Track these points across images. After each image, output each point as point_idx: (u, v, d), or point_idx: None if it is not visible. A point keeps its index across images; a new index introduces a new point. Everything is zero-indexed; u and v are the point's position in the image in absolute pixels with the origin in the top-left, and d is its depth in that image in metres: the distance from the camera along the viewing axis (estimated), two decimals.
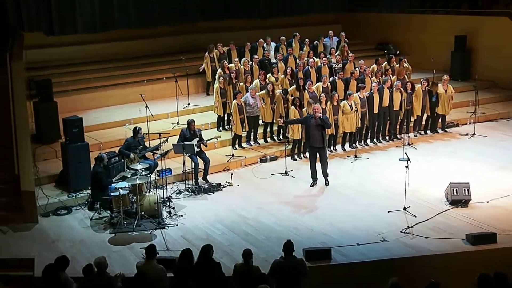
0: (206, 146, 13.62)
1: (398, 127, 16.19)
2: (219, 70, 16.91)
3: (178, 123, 15.94)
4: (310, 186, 13.24)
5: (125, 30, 19.53)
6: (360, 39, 23.42)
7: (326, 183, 13.22)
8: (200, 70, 18.47)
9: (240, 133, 15.13)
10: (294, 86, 15.75)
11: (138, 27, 19.77)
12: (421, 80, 16.44)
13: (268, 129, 15.86)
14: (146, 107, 14.34)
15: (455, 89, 16.92)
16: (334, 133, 15.18)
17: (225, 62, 17.02)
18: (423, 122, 16.64)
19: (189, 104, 17.36)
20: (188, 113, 16.78)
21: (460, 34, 20.80)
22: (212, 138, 14.08)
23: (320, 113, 13.02)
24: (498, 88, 20.12)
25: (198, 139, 13.33)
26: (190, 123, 13.44)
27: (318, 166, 13.25)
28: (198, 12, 20.83)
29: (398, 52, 19.94)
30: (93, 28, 18.72)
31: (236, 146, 15.17)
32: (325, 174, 13.24)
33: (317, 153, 13.14)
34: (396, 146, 15.57)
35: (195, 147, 13.18)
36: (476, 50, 20.75)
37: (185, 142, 13.08)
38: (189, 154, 13.12)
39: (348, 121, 15.12)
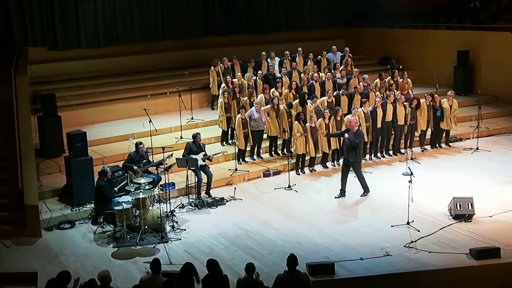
0: (211, 161, 13.64)
1: (402, 141, 16.22)
2: (223, 85, 16.99)
3: (181, 137, 15.99)
4: (335, 197, 13.38)
5: (129, 44, 19.67)
6: (362, 54, 23.51)
7: (364, 194, 13.40)
8: (210, 86, 18.52)
9: (243, 148, 15.17)
10: (298, 100, 15.81)
11: (142, 42, 19.90)
12: (425, 95, 16.48)
13: (273, 143, 15.89)
14: (149, 121, 14.38)
15: (458, 103, 16.94)
16: (338, 148, 15.23)
17: (229, 77, 17.12)
18: (428, 137, 16.65)
19: (192, 118, 17.40)
20: (191, 127, 16.84)
21: (463, 49, 20.87)
22: (219, 153, 14.12)
23: (353, 127, 13.21)
24: (500, 102, 20.17)
25: (204, 153, 13.34)
26: (196, 136, 13.47)
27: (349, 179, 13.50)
28: (202, 27, 21.00)
29: (400, 67, 20.00)
30: (97, 43, 18.88)
31: (240, 160, 15.19)
32: (363, 187, 13.43)
33: (350, 166, 13.33)
34: (400, 161, 15.56)
35: (201, 161, 13.20)
36: (479, 65, 20.82)
37: (191, 156, 13.10)
38: (193, 168, 13.14)
39: None
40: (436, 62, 21.03)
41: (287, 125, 15.33)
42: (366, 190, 13.45)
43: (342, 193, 13.42)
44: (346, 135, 13.18)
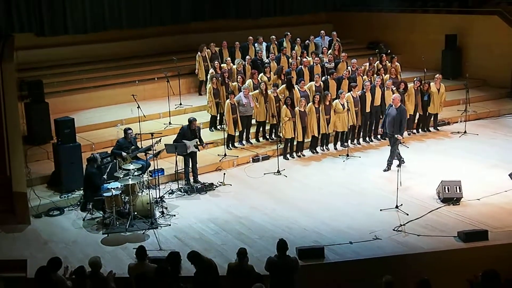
0: (203, 147, 13.59)
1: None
2: (211, 70, 16.93)
3: (170, 123, 15.93)
4: (383, 171, 13.89)
5: (116, 30, 19.53)
6: (351, 39, 23.47)
7: (386, 169, 13.85)
8: (196, 72, 18.45)
9: (232, 133, 15.15)
10: (285, 85, 15.79)
11: (129, 28, 19.76)
12: (414, 79, 16.50)
13: (261, 129, 15.89)
14: (138, 107, 14.31)
15: (446, 87, 17.00)
16: (327, 132, 15.24)
17: (217, 62, 17.05)
18: (416, 121, 16.70)
19: (181, 104, 17.34)
20: (180, 113, 16.78)
21: (451, 33, 20.88)
22: (211, 143, 14.10)
23: (396, 103, 13.72)
24: (488, 86, 20.24)
25: (197, 140, 13.29)
26: (192, 121, 13.31)
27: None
28: (189, 12, 20.87)
29: (389, 51, 20.00)
30: (84, 29, 18.74)
31: (230, 146, 15.18)
32: (389, 162, 13.86)
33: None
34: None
35: (193, 148, 13.15)
36: (467, 48, 20.84)
37: (183, 141, 13.04)
38: (184, 154, 13.10)
39: (340, 120, 15.17)
40: (424, 46, 21.02)
41: (275, 110, 15.31)
42: (389, 165, 13.87)
43: (401, 162, 13.78)
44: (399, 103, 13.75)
